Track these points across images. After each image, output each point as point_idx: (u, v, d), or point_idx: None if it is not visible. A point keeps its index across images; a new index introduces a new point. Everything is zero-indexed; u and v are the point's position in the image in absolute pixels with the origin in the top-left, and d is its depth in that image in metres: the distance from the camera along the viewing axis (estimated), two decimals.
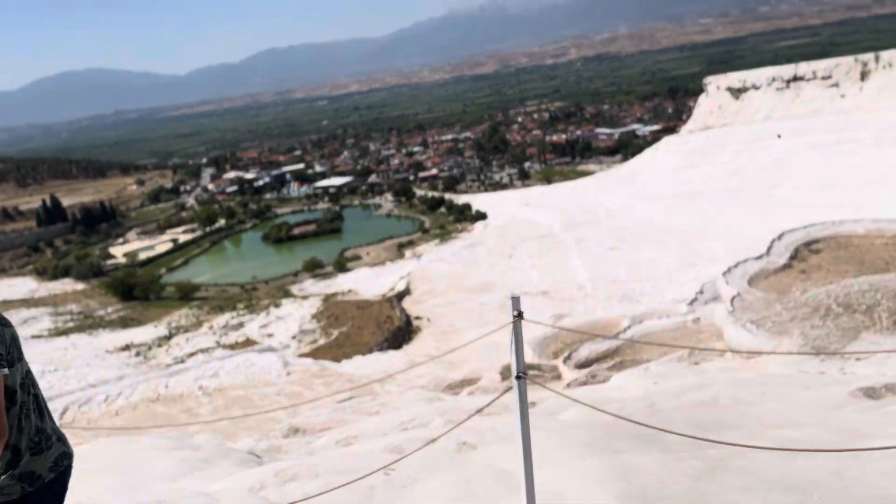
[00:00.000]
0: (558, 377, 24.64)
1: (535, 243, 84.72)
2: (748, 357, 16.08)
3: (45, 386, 43.93)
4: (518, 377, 4.05)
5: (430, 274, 78.98)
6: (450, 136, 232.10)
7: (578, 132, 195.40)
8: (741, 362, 15.80)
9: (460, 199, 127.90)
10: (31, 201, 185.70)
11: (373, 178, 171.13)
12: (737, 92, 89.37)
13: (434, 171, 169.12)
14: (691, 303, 39.64)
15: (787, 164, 76.19)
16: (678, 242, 71.76)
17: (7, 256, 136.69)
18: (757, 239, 63.70)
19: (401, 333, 58.78)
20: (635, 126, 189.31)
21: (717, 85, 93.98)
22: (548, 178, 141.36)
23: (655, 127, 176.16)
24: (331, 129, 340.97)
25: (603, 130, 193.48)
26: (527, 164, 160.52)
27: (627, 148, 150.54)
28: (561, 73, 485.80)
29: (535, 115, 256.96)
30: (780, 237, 36.06)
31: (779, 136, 79.74)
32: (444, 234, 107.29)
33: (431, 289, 72.59)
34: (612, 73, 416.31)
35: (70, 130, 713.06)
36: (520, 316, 4.00)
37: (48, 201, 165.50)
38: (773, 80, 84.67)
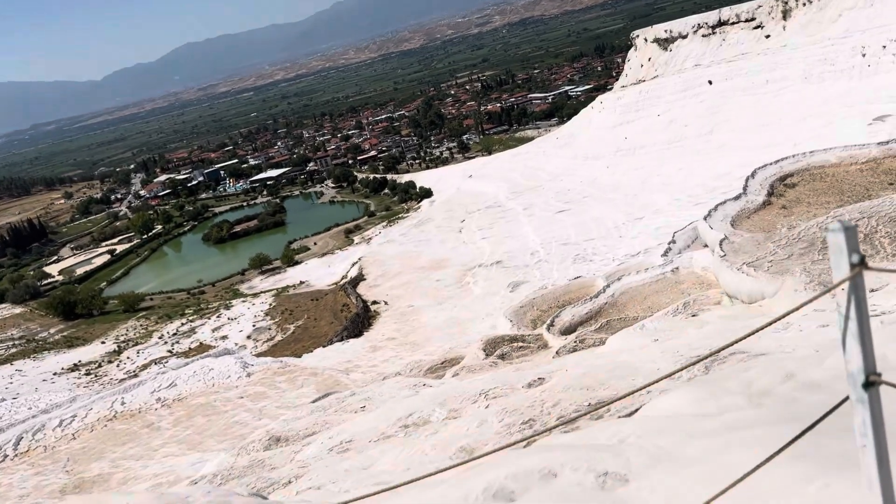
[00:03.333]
0: (545, 346, 23.75)
1: (483, 215, 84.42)
2: (750, 302, 15.66)
3: None
4: (869, 384, 1.87)
5: (382, 257, 77.99)
6: (384, 116, 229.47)
7: (512, 99, 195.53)
8: (743, 308, 15.41)
9: (403, 179, 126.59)
10: None
11: (311, 167, 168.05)
12: (664, 43, 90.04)
13: (373, 153, 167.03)
14: (665, 253, 39.53)
15: (721, 109, 77.34)
16: (623, 198, 72.36)
17: None
18: (700, 186, 64.73)
19: (359, 320, 57.84)
20: (567, 87, 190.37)
21: (644, 38, 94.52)
22: (488, 149, 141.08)
23: (587, 86, 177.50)
24: (260, 120, 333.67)
25: (536, 95, 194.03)
26: (465, 137, 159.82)
27: (562, 110, 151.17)
28: (487, 41, 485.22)
29: (468, 87, 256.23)
30: (752, 175, 35.72)
31: (710, 83, 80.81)
32: (390, 216, 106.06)
33: (385, 271, 71.67)
34: (537, 36, 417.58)
35: None
36: (862, 264, 1.77)
37: None
38: (699, 27, 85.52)
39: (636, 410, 6.32)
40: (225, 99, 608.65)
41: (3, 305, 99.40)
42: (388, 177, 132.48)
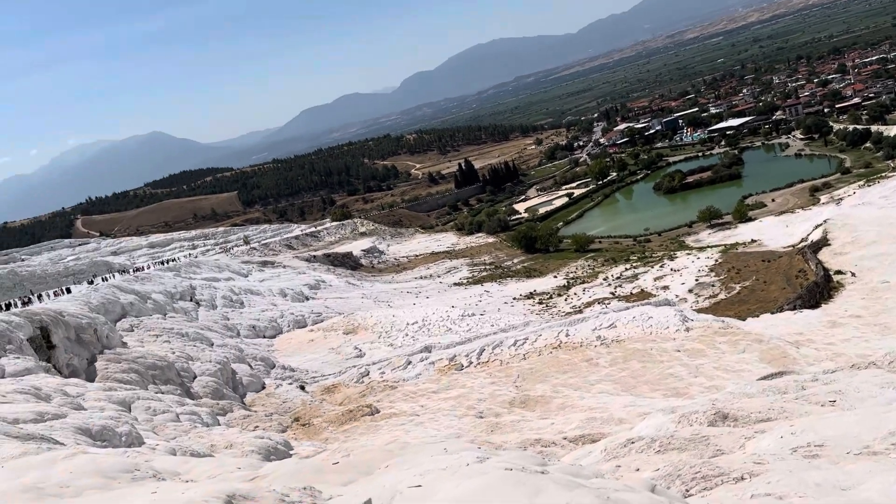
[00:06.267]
0: None
1: None
2: None
3: (465, 328, 49.26)
4: None
5: (854, 221, 67.91)
6: (875, 58, 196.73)
7: None
8: None
9: (892, 132, 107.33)
10: (451, 166, 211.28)
11: (777, 115, 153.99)
12: None
13: (856, 100, 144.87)
14: None
15: None
16: None
17: (434, 215, 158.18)
18: None
19: (818, 290, 51.67)
20: None
21: None
22: None
23: None
24: (727, 66, 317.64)
25: None
26: None
27: None
28: None
29: None
30: None
31: None
32: (870, 174, 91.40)
33: (855, 238, 62.35)
34: None
35: (478, 100, 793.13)
36: None
37: (463, 165, 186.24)
38: None
39: None
40: (692, 45, 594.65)
41: (480, 235, 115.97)
42: (873, 128, 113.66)
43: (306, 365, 43.69)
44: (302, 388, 37.24)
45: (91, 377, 29.94)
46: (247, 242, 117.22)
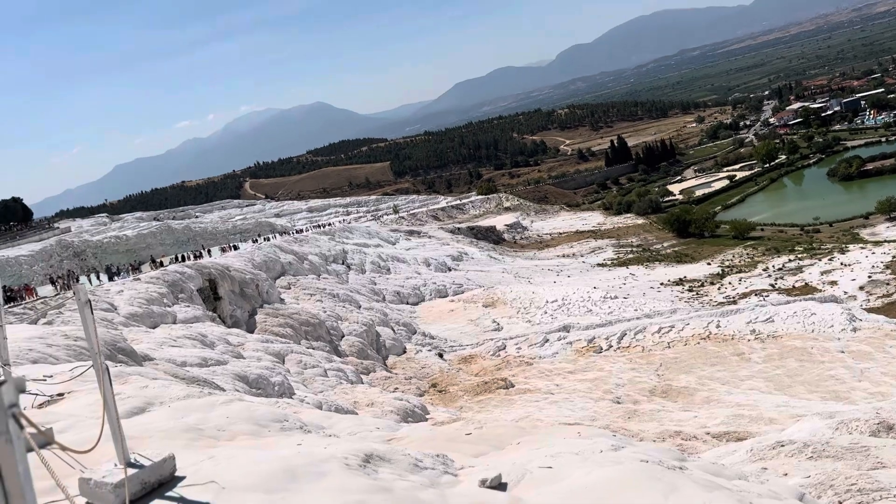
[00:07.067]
0: None
1: None
2: None
3: (606, 311, 48.21)
4: None
5: None
6: None
7: None
8: None
9: None
10: (602, 143, 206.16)
11: None
12: None
13: None
14: None
15: None
16: None
17: (581, 193, 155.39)
18: None
19: None
20: None
21: None
22: None
23: None
24: None
25: None
26: None
27: None
28: None
29: None
30: None
31: None
32: None
33: None
34: None
35: (637, 74, 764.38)
36: None
37: (615, 142, 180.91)
38: None
39: None
40: (882, 20, 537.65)
41: (629, 215, 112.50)
42: None
43: (445, 334, 44.70)
44: (440, 355, 38.19)
45: (251, 329, 32.36)
46: (396, 212, 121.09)
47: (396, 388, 28.71)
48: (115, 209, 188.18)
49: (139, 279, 31.52)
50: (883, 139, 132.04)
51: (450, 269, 72.11)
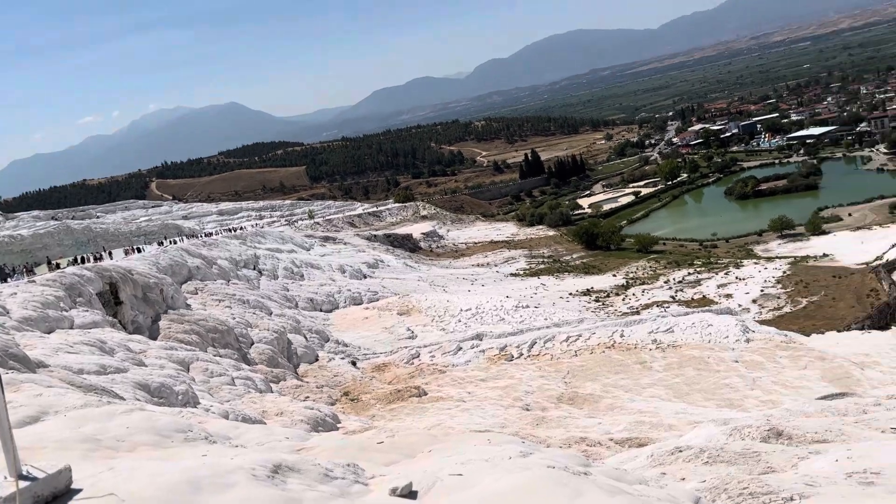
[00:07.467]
0: None
1: None
2: None
3: (518, 319, 49.09)
4: None
5: None
6: None
7: None
8: None
9: None
10: (517, 156, 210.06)
11: (862, 127, 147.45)
12: None
13: None
14: None
15: None
16: None
17: (496, 203, 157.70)
18: None
19: (889, 311, 49.56)
20: None
21: None
22: None
23: None
24: (812, 73, 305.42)
25: None
26: None
27: None
28: None
29: None
30: None
31: None
32: None
33: None
34: None
35: (551, 91, 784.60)
36: None
37: (530, 156, 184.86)
38: None
39: None
40: (777, 49, 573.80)
41: (541, 227, 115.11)
42: None
43: (359, 341, 44.34)
44: (353, 363, 37.83)
45: (154, 335, 31.10)
46: (311, 217, 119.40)
47: (307, 397, 28.22)
48: (9, 207, 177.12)
49: (34, 281, 29.76)
50: (776, 161, 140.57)
51: (365, 277, 71.63)
